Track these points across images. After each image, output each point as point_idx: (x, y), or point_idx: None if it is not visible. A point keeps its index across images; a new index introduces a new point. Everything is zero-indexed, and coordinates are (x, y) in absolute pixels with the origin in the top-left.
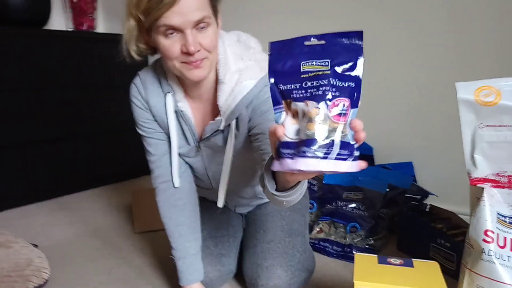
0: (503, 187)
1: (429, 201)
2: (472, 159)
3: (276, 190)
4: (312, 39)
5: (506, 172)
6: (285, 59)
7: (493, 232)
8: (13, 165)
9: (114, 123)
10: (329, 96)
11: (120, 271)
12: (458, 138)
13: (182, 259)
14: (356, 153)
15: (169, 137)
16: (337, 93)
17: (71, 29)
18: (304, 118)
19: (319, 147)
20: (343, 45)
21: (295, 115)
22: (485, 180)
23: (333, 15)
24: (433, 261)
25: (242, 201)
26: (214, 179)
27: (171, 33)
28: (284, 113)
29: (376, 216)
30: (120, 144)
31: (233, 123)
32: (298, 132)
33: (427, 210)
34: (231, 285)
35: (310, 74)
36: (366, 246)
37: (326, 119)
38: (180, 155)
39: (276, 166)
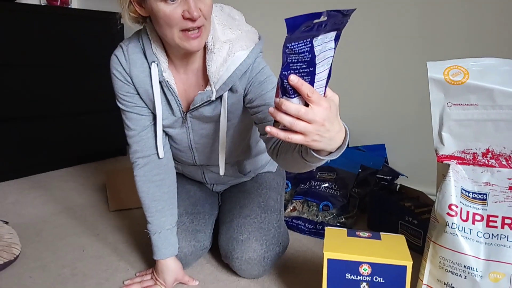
0: (468, 164)
1: (401, 182)
2: (439, 137)
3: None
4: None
5: (471, 149)
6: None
7: (456, 206)
8: None
9: (89, 103)
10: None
11: (93, 248)
12: (429, 122)
13: (157, 233)
14: None
15: (152, 110)
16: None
17: (44, 4)
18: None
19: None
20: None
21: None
22: (451, 157)
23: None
24: (400, 235)
25: (222, 179)
26: (197, 151)
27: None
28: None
29: (348, 196)
30: (95, 123)
31: (225, 94)
32: None
33: (396, 189)
34: (206, 259)
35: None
36: (338, 224)
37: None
38: (163, 127)
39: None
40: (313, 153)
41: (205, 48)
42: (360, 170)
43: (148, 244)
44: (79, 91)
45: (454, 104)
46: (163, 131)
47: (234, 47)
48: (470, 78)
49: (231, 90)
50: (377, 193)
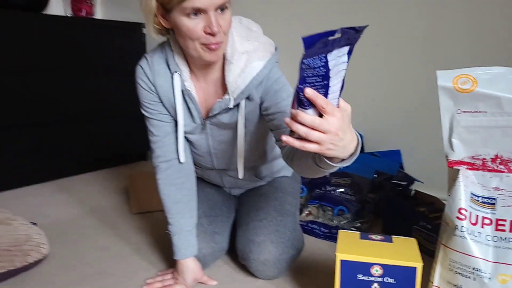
0: (478, 169)
1: (417, 187)
2: (449, 143)
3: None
4: (336, 33)
5: (480, 155)
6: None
7: (466, 210)
8: (13, 147)
9: (113, 108)
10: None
11: (116, 248)
12: None
13: (178, 234)
14: None
15: (174, 117)
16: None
17: (69, 15)
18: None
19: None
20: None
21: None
22: (461, 162)
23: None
24: (411, 238)
25: (239, 182)
26: (216, 157)
27: (195, 14)
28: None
29: (363, 200)
30: (118, 129)
31: (243, 102)
32: None
33: (411, 195)
34: (224, 260)
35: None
36: (352, 229)
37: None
38: (184, 133)
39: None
40: (327, 160)
41: (224, 58)
42: (375, 176)
43: (169, 245)
44: (104, 98)
45: (463, 111)
46: (184, 137)
47: (251, 58)
48: (479, 86)
49: (248, 98)
50: (391, 198)
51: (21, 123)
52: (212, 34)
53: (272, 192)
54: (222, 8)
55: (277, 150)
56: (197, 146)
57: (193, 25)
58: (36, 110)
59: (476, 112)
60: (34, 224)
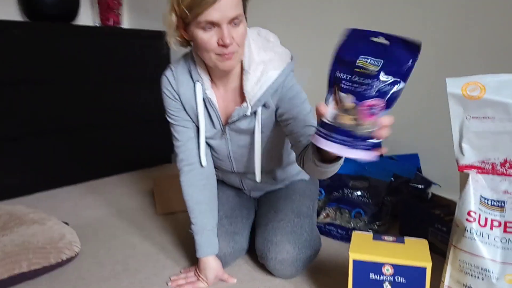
0: (487, 173)
1: (434, 190)
2: (460, 148)
3: (320, 161)
4: (379, 36)
5: (490, 159)
6: (349, 48)
7: (475, 213)
8: (44, 151)
9: (138, 114)
10: (368, 94)
11: (143, 246)
12: None
13: (200, 233)
14: (375, 145)
15: (196, 123)
16: (376, 94)
17: (98, 25)
18: (342, 108)
19: (346, 137)
20: (401, 54)
21: (337, 102)
22: (471, 166)
23: (332, 11)
24: (423, 239)
25: (258, 185)
26: (235, 160)
27: (210, 28)
28: (331, 96)
29: (380, 203)
30: (143, 134)
31: (259, 109)
32: (334, 117)
33: (428, 198)
34: (244, 259)
35: (361, 70)
36: (369, 231)
37: (357, 114)
38: (206, 139)
39: (312, 138)
40: (321, 163)
41: (242, 68)
42: (392, 179)
43: (192, 244)
44: (131, 104)
45: (472, 117)
46: (206, 142)
47: (267, 68)
48: (487, 93)
49: (264, 105)
50: (408, 201)
51: (55, 129)
52: (225, 46)
53: (290, 194)
54: (235, 22)
55: (293, 155)
56: (218, 150)
57: (208, 37)
58: (68, 116)
59: (485, 118)
60: (67, 224)
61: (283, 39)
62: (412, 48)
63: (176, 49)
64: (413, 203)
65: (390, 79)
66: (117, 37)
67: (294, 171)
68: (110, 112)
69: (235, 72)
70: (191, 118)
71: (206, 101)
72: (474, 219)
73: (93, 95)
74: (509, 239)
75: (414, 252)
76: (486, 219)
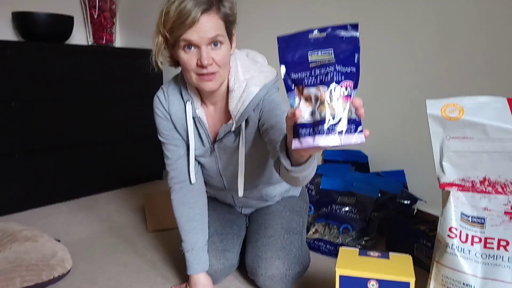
0: (468, 191)
1: (419, 206)
2: (441, 166)
3: (292, 165)
4: (315, 32)
5: (470, 177)
6: (294, 50)
7: (456, 229)
8: (36, 168)
9: (130, 131)
10: (336, 79)
11: (134, 264)
12: None
13: (190, 250)
14: (360, 127)
15: (186, 141)
16: (342, 77)
17: (91, 43)
18: (317, 101)
19: (332, 125)
20: (343, 37)
21: (308, 99)
22: (452, 184)
23: None
24: (407, 255)
25: (249, 202)
26: (225, 177)
27: (189, 48)
28: (297, 98)
29: (367, 219)
30: (135, 150)
31: (243, 124)
32: (312, 113)
33: (414, 214)
34: (234, 275)
35: (317, 63)
36: (357, 246)
37: (335, 100)
38: (196, 157)
39: (296, 145)
40: (291, 167)
41: (228, 89)
42: (379, 195)
43: (182, 261)
44: (121, 121)
45: (452, 137)
46: (196, 160)
47: (249, 84)
48: (465, 114)
49: (247, 120)
50: (394, 217)
51: (46, 146)
52: (203, 67)
53: (280, 211)
54: (215, 43)
55: None
56: (208, 168)
57: (187, 58)
58: (60, 133)
59: (464, 138)
60: (59, 241)
61: (271, 55)
62: (350, 28)
63: (163, 69)
64: (399, 219)
65: (347, 60)
66: (110, 55)
67: (284, 189)
68: (102, 129)
69: (221, 92)
70: (181, 136)
71: (195, 120)
72: (456, 235)
73: (85, 113)
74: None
75: (399, 267)
76: (467, 235)
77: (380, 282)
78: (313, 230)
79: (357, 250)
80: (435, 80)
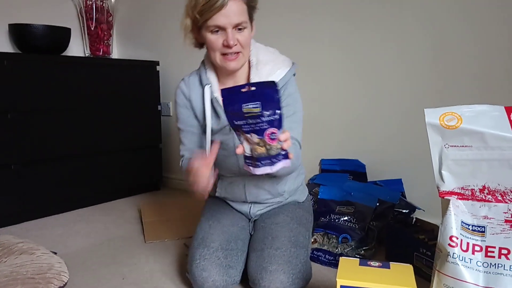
0: (467, 199)
1: (418, 215)
2: (440, 175)
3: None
4: (245, 86)
5: (469, 186)
6: (233, 103)
7: (457, 238)
8: (32, 180)
9: (127, 142)
10: (264, 128)
11: (132, 275)
12: None
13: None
14: (285, 156)
15: (203, 123)
16: (268, 126)
17: (88, 55)
18: (252, 143)
19: (264, 160)
20: (268, 94)
21: (247, 139)
22: (451, 193)
23: (325, 38)
24: (408, 264)
25: (260, 194)
26: (240, 156)
27: (217, 31)
28: (241, 137)
29: (366, 228)
30: (130, 161)
31: None
32: (251, 150)
33: (412, 223)
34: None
35: (249, 114)
36: (356, 256)
37: (265, 143)
38: (214, 135)
39: (245, 167)
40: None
41: (249, 67)
42: (377, 204)
43: (180, 274)
44: (118, 132)
45: (450, 146)
46: (213, 140)
47: (275, 67)
48: (464, 123)
49: None
50: (393, 226)
51: (42, 157)
52: (229, 46)
53: (288, 222)
54: (239, 27)
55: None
56: (225, 145)
57: (214, 38)
58: (57, 145)
59: (463, 146)
60: (55, 253)
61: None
62: (272, 85)
63: (195, 48)
64: (398, 228)
65: (271, 111)
66: (107, 67)
67: (294, 186)
68: (99, 140)
69: (243, 73)
70: (199, 122)
71: (213, 101)
72: (456, 244)
73: (81, 124)
74: (490, 263)
75: (399, 277)
76: (467, 244)
77: None
78: (312, 240)
79: (358, 260)
80: (431, 89)
